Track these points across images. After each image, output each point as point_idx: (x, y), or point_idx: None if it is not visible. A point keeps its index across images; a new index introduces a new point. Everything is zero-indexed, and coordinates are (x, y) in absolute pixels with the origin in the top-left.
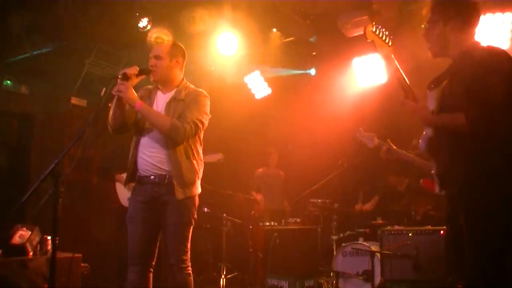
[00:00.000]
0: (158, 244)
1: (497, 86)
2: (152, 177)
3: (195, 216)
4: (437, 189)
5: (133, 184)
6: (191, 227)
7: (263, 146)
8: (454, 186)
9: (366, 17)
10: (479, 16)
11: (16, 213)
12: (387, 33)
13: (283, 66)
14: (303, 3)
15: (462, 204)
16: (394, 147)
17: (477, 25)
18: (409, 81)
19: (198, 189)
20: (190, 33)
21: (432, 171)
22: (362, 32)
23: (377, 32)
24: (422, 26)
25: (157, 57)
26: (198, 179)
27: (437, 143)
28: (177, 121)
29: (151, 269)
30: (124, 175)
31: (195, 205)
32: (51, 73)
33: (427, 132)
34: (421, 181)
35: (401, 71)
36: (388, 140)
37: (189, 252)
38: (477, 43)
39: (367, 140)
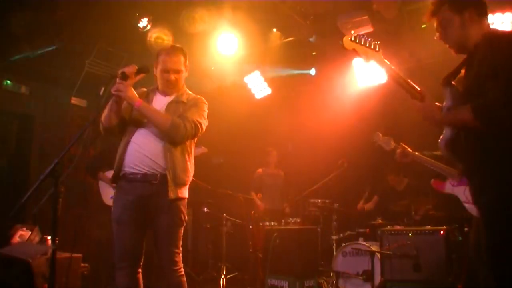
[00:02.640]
0: (144, 244)
1: None
2: (139, 175)
3: (186, 217)
4: (447, 188)
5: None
6: (182, 228)
7: (263, 146)
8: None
9: (366, 17)
10: (485, 4)
11: (16, 213)
12: (370, 40)
13: (283, 66)
14: (303, 3)
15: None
16: (410, 150)
17: (487, 13)
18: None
19: (187, 193)
20: (190, 33)
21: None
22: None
23: (357, 41)
24: (423, 26)
25: (176, 71)
26: (188, 182)
27: (461, 143)
28: (177, 119)
29: (139, 270)
30: (108, 174)
31: (185, 207)
32: (51, 73)
33: (446, 132)
34: (431, 181)
35: (398, 71)
36: (402, 143)
37: (181, 253)
38: (495, 29)
39: (384, 144)
